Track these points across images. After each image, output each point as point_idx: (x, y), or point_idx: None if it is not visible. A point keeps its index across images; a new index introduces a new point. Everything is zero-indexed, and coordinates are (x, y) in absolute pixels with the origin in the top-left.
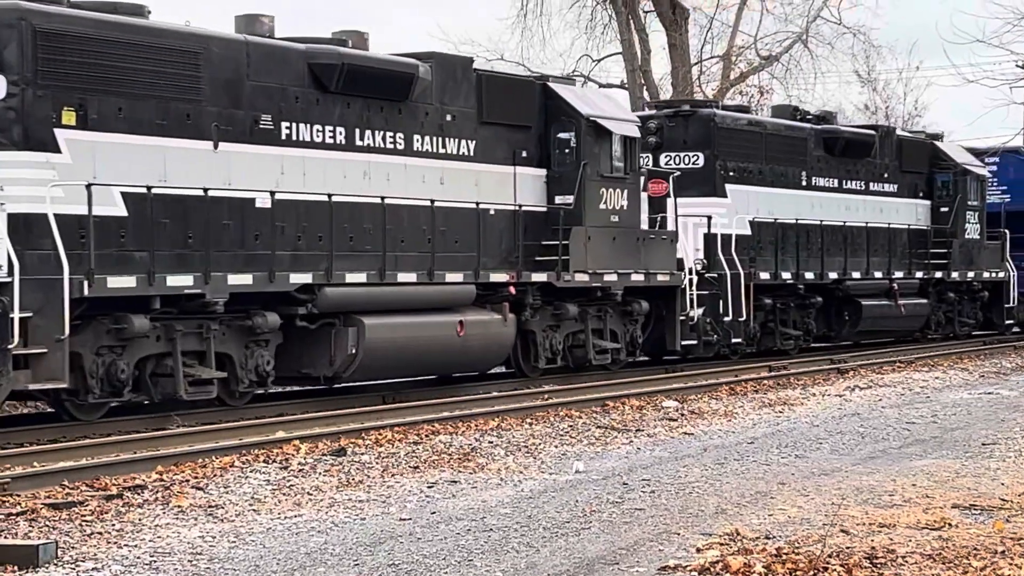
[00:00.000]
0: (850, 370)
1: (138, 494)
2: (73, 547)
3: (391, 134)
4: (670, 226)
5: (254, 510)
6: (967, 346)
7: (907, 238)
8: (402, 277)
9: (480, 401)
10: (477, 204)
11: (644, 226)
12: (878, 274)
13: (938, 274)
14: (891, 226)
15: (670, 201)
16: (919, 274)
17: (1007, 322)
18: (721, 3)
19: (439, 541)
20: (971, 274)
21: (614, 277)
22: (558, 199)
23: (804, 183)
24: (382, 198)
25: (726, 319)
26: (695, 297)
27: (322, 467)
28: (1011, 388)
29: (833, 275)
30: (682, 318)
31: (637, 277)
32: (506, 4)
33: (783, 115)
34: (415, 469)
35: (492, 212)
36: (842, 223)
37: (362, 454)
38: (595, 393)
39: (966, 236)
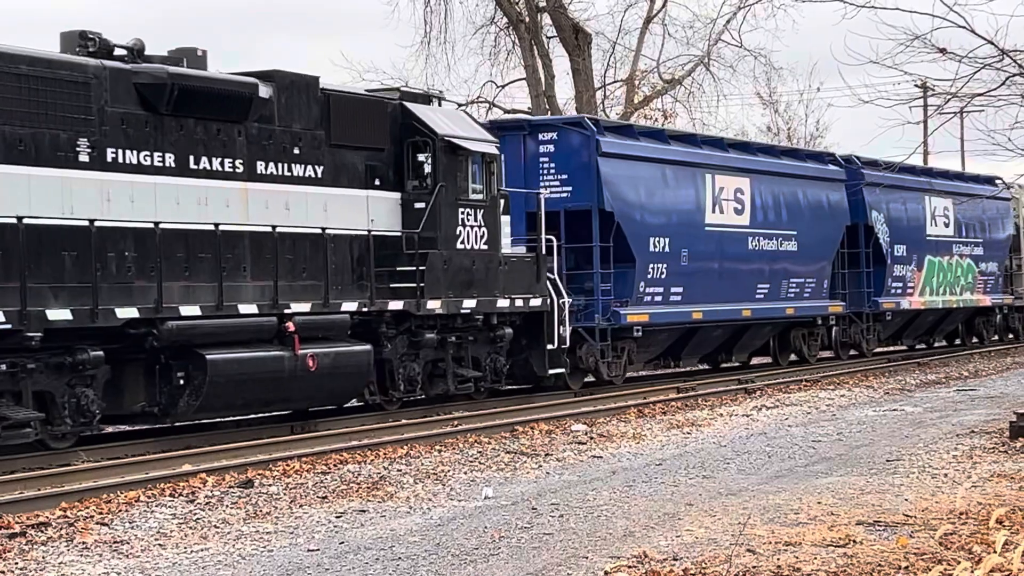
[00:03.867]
0: (757, 390)
1: (42, 531)
2: None
3: None
4: None
5: (160, 545)
6: (871, 364)
7: (343, 250)
8: None
9: (389, 429)
10: None
11: None
12: (249, 308)
13: (396, 304)
14: (280, 231)
15: None
16: (351, 305)
17: (553, 371)
18: (623, 27)
19: (347, 571)
20: (471, 303)
21: None
22: None
23: (86, 159)
24: None
25: None
26: None
27: (229, 499)
28: (915, 404)
29: (129, 312)
30: None
31: None
32: (409, 32)
33: (68, 46)
34: (323, 499)
35: None
36: (153, 225)
37: (270, 485)
38: (505, 418)
39: (460, 246)
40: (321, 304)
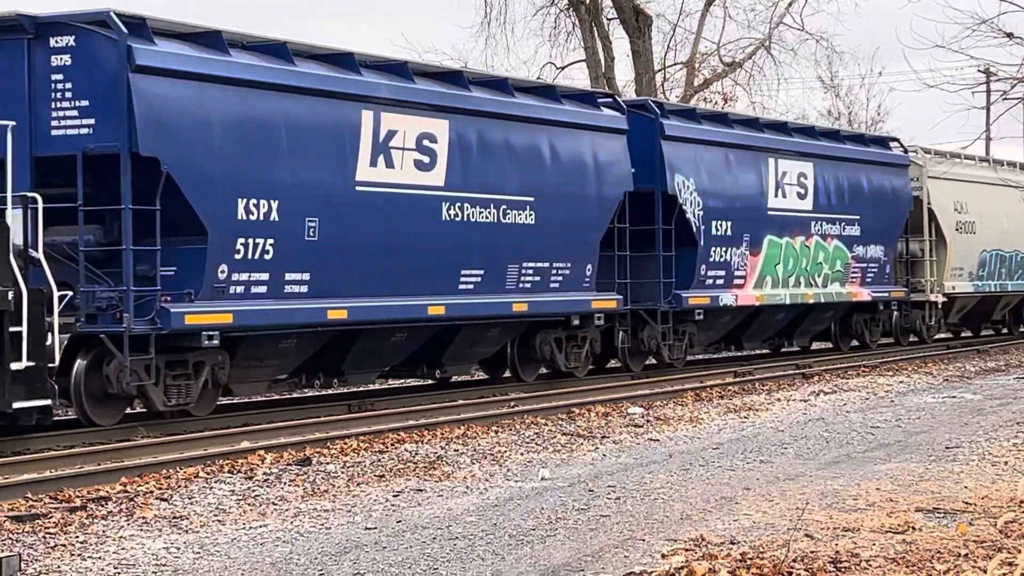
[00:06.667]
0: (815, 375)
1: (102, 506)
2: (37, 560)
3: None
4: None
5: (219, 520)
6: (930, 351)
7: None
8: None
9: (446, 409)
10: None
11: None
12: None
13: None
14: None
15: None
16: None
17: (23, 404)
18: (684, 10)
19: (405, 550)
20: None
21: None
22: None
23: None
24: None
25: None
26: None
27: (287, 477)
28: (974, 392)
29: None
30: None
31: None
32: (469, 12)
33: None
34: (380, 478)
35: None
36: None
37: (327, 463)
38: (561, 400)
39: None
40: None
